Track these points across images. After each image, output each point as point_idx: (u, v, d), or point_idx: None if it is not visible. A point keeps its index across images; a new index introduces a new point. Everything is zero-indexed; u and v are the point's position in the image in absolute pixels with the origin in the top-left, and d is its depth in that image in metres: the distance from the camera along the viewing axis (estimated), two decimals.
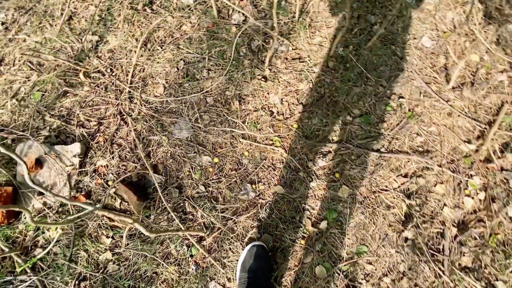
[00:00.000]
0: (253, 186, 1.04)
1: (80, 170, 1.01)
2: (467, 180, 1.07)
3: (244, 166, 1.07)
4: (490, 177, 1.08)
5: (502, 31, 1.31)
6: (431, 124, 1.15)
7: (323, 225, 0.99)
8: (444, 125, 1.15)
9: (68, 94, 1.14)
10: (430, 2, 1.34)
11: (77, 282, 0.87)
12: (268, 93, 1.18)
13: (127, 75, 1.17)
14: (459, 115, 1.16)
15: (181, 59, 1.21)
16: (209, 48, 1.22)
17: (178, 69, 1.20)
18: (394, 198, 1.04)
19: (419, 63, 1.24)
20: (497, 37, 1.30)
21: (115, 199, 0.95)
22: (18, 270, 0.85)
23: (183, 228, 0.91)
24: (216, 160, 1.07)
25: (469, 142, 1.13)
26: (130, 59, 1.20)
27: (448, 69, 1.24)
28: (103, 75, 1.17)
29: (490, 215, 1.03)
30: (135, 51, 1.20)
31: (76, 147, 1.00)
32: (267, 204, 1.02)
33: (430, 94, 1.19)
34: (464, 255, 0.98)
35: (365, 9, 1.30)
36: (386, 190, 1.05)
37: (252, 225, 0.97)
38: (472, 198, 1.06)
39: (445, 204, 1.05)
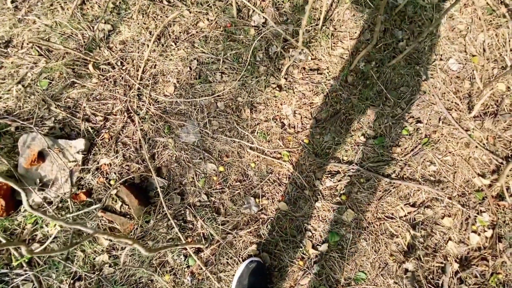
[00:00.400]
0: (257, 200, 1.01)
1: (83, 167, 0.98)
2: (475, 216, 1.04)
3: (249, 178, 1.04)
4: (500, 215, 1.04)
5: None
6: (446, 153, 1.10)
7: (324, 247, 0.97)
8: (460, 155, 1.10)
9: (75, 85, 1.10)
10: (462, 21, 1.26)
11: (72, 281, 0.86)
12: (281, 104, 1.13)
13: (137, 70, 1.12)
14: (476, 147, 1.11)
15: (194, 59, 1.16)
16: (224, 50, 1.16)
17: (190, 69, 1.15)
18: (399, 227, 1.01)
19: (443, 87, 1.17)
20: None
21: (115, 201, 0.93)
22: (14, 263, 0.84)
23: (182, 238, 0.90)
24: (221, 168, 1.04)
25: (483, 176, 1.09)
26: (142, 54, 1.14)
27: (472, 96, 1.17)
28: (113, 68, 1.12)
29: (494, 254, 1.00)
30: (148, 45, 1.14)
31: (80, 143, 0.97)
32: (269, 221, 0.99)
33: (450, 121, 1.13)
34: None
35: (393, 23, 1.22)
36: (391, 218, 1.02)
37: (251, 241, 0.95)
38: (479, 234, 1.03)
39: (450, 238, 1.02)
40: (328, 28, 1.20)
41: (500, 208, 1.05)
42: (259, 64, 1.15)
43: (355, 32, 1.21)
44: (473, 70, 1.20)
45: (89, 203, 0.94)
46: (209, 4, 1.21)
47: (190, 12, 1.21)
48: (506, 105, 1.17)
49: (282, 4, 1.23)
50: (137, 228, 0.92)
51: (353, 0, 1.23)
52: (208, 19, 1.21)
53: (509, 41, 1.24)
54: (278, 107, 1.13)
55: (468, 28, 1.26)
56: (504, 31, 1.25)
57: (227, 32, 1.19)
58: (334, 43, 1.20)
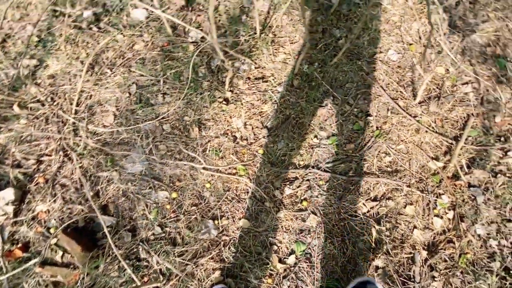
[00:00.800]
0: (216, 222, 0.97)
1: (15, 219, 0.89)
2: (435, 200, 1.06)
3: (205, 199, 1.00)
4: (458, 195, 1.08)
5: (467, 41, 1.31)
6: (399, 142, 1.13)
7: (291, 259, 0.94)
8: (412, 142, 1.14)
9: (1, 129, 1.02)
10: (395, 13, 1.33)
11: None
12: (230, 117, 1.11)
13: (71, 104, 1.06)
14: (426, 131, 1.15)
15: (133, 83, 1.12)
16: (164, 70, 1.13)
17: (130, 94, 1.10)
18: (364, 224, 1.01)
19: (386, 78, 1.21)
20: (462, 48, 1.30)
21: (56, 252, 0.86)
22: None
23: (136, 280, 0.83)
24: (174, 195, 0.99)
25: (436, 159, 1.12)
26: (75, 85, 1.09)
27: (415, 83, 1.23)
28: (43, 105, 1.06)
29: (459, 234, 1.03)
30: (81, 76, 1.09)
31: (8, 193, 0.89)
32: (231, 242, 0.95)
33: (398, 110, 1.17)
34: (434, 279, 0.97)
35: (330, 23, 1.26)
36: (355, 216, 1.02)
37: (214, 267, 0.91)
38: (441, 217, 1.05)
39: (415, 226, 1.03)
40: (267, 35, 1.22)
41: (457, 188, 1.09)
42: (202, 80, 1.13)
43: (295, 36, 1.24)
44: (412, 58, 1.26)
45: (27, 259, 0.86)
46: (142, 25, 1.18)
47: (123, 36, 1.18)
48: (447, 87, 1.23)
49: (219, 17, 1.23)
50: (83, 278, 0.84)
51: (289, 5, 1.25)
52: (143, 41, 1.18)
53: (442, 26, 1.32)
54: (227, 121, 1.11)
55: (401, 18, 1.32)
56: (435, 17, 1.33)
57: (164, 52, 1.16)
58: (275, 49, 1.21)
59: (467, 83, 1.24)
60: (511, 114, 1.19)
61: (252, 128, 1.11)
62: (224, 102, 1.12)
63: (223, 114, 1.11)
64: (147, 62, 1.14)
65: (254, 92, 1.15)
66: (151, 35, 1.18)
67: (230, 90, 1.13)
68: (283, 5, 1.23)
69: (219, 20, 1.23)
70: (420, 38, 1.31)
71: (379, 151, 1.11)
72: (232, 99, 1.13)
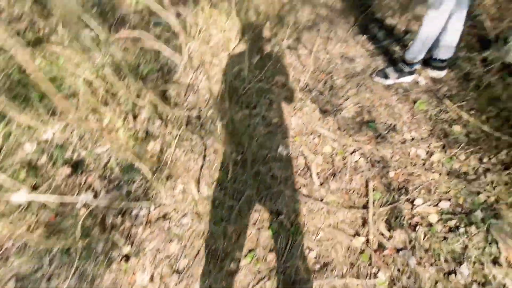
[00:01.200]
0: None
1: None
2: (374, 284, 1.04)
3: None
4: (392, 265, 1.08)
5: (338, 118, 1.62)
6: (317, 231, 1.17)
7: None
8: (328, 226, 1.19)
9: None
10: (273, 116, 1.61)
11: None
12: (133, 274, 1.04)
13: None
14: (337, 210, 1.23)
15: (11, 277, 1.01)
16: (49, 248, 1.07)
17: None
18: None
19: (282, 172, 1.35)
20: (337, 126, 1.58)
21: None
22: None
23: None
24: None
25: (357, 234, 1.17)
26: None
27: (310, 168, 1.38)
28: None
29: None
30: None
31: None
32: None
33: (304, 199, 1.26)
34: None
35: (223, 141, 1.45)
36: None
37: None
38: None
39: None
40: (162, 172, 1.32)
41: (387, 258, 1.10)
42: (95, 243, 1.09)
43: (189, 164, 1.37)
44: (300, 147, 1.46)
45: None
46: (23, 207, 1.18)
47: (1, 226, 1.13)
48: (339, 161, 1.42)
49: (110, 172, 1.31)
50: None
51: (178, 138, 1.43)
52: (26, 223, 1.14)
53: (314, 111, 1.62)
54: (130, 281, 1.02)
55: (281, 117, 1.61)
56: (306, 108, 1.65)
57: (52, 226, 1.13)
58: (173, 182, 1.30)
59: (353, 152, 1.46)
60: (400, 165, 1.39)
61: (161, 278, 1.04)
62: (124, 259, 1.07)
63: (125, 274, 1.04)
64: (28, 247, 1.08)
65: (158, 235, 1.14)
66: (35, 214, 1.16)
67: (129, 244, 1.10)
68: (172, 142, 1.41)
69: (111, 174, 1.31)
70: (301, 129, 1.57)
71: (301, 249, 1.12)
72: (134, 251, 1.09)
